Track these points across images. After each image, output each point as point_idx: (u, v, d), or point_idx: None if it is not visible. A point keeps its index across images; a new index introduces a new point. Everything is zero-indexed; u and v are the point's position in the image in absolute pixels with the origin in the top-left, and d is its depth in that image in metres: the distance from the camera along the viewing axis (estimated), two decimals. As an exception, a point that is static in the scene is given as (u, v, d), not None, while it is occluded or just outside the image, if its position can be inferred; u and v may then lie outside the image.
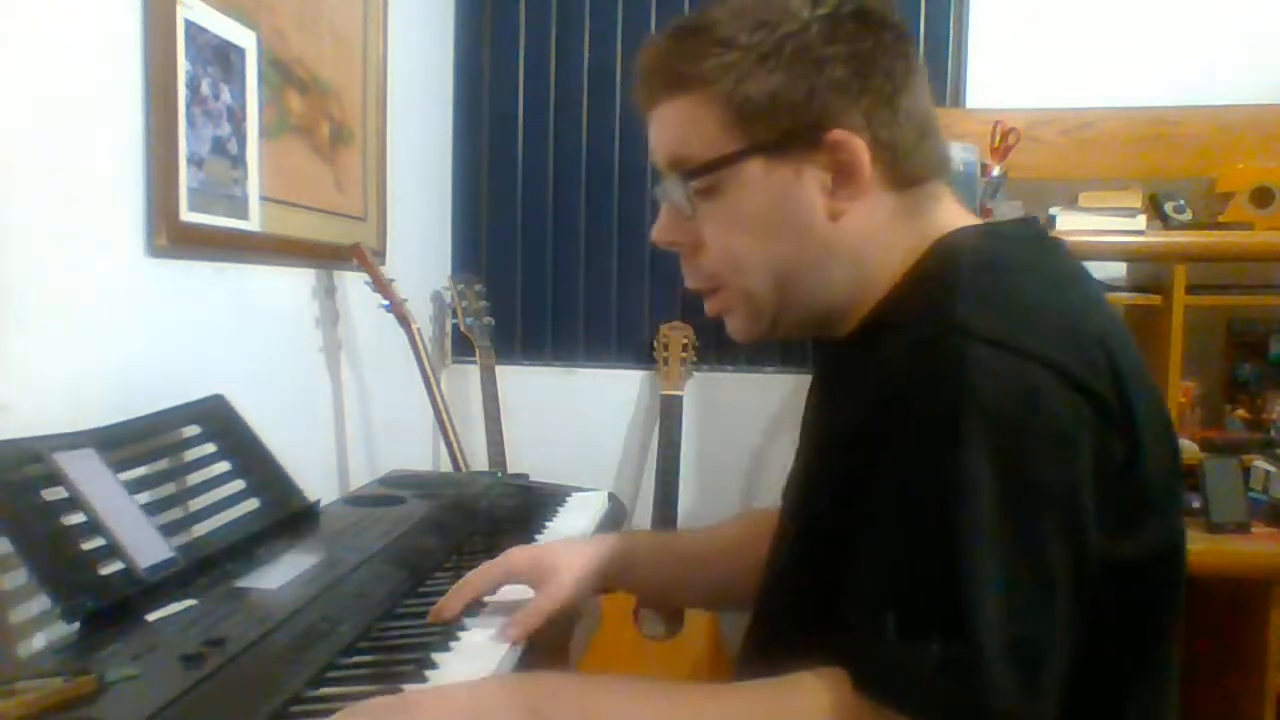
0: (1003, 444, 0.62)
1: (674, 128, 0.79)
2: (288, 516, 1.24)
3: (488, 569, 0.99)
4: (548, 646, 0.97)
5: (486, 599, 1.00)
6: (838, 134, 0.74)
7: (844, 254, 0.78)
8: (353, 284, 1.83)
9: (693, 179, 0.78)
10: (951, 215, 0.81)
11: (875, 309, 0.79)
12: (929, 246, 0.78)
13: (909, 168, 0.77)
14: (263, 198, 1.49)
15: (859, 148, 0.74)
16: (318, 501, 1.32)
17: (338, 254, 1.75)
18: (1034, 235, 0.81)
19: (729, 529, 1.10)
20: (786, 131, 0.75)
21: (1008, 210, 1.93)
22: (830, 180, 0.75)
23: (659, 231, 0.83)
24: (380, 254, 1.92)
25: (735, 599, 1.01)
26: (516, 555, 1.00)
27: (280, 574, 1.05)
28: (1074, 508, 0.64)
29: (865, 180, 0.75)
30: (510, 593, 1.00)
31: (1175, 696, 0.76)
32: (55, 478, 0.97)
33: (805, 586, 0.77)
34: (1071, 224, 1.96)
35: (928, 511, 0.63)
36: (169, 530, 1.06)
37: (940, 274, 0.74)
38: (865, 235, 0.77)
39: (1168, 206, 2.01)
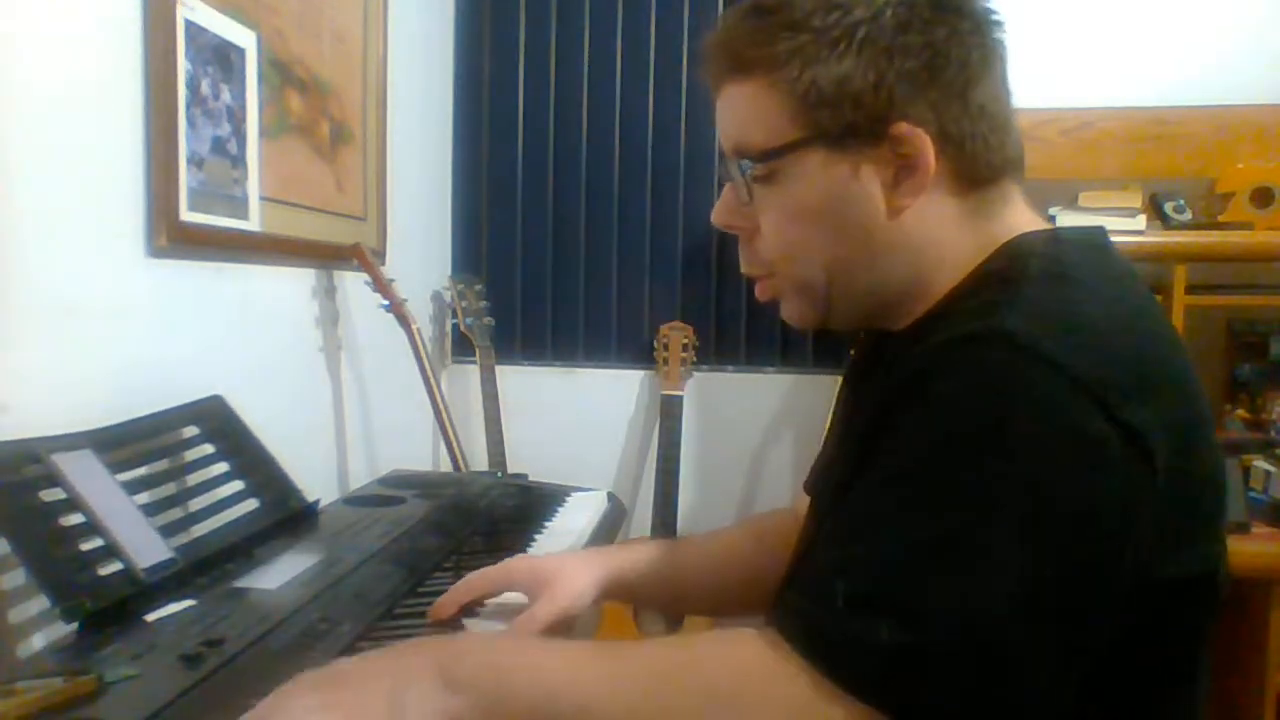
0: (1007, 451, 0.60)
1: (738, 112, 0.77)
2: (287, 517, 1.24)
3: (488, 574, 0.99)
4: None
5: (486, 601, 1.00)
6: (902, 127, 0.71)
7: (902, 251, 0.75)
8: (353, 284, 1.83)
9: (752, 165, 0.76)
10: (1020, 219, 0.77)
11: (934, 308, 0.76)
12: (995, 250, 0.75)
13: (977, 165, 0.74)
14: (263, 198, 1.49)
15: (923, 142, 0.71)
16: (317, 501, 1.32)
17: (338, 254, 1.75)
18: (1100, 246, 0.77)
19: (730, 535, 1.09)
20: (850, 122, 0.72)
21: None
22: (892, 175, 0.73)
23: (718, 213, 0.82)
24: (380, 254, 1.92)
25: (738, 607, 1.01)
26: (517, 564, 1.01)
27: (279, 574, 1.06)
28: (1084, 531, 0.61)
29: (928, 177, 0.72)
30: (511, 595, 1.00)
31: (1202, 697, 0.75)
32: (53, 478, 0.97)
33: None
34: (1072, 224, 1.95)
35: (920, 500, 0.62)
36: (168, 531, 1.06)
37: (1001, 278, 0.71)
38: (926, 234, 0.74)
39: (1168, 206, 2.01)
